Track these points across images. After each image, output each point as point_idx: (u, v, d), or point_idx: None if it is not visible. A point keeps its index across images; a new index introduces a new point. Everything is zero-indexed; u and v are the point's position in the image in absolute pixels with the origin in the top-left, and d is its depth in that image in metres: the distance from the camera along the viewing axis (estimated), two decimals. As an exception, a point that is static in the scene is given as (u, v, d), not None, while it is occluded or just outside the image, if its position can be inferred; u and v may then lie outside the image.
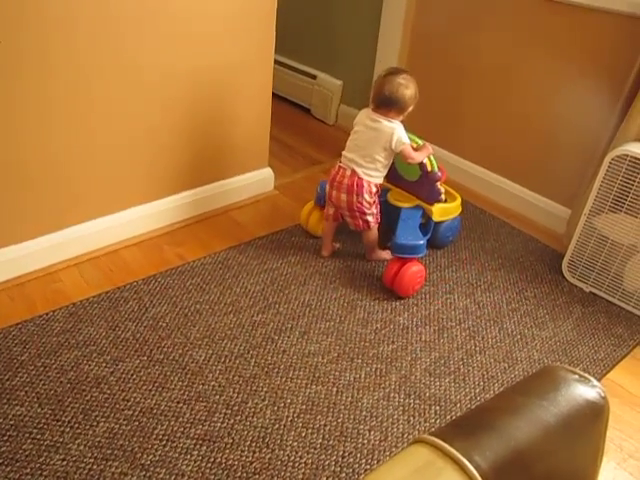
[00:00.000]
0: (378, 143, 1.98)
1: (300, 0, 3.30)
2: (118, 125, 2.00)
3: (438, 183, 2.11)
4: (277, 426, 1.54)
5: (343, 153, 2.07)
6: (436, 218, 2.17)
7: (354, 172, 2.01)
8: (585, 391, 0.75)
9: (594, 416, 0.74)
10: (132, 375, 1.64)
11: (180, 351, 1.74)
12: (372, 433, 1.55)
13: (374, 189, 2.04)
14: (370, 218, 2.08)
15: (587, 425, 0.73)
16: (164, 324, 1.83)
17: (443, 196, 2.15)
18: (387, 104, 1.98)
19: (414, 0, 2.72)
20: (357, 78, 3.14)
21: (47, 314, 1.81)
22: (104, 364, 1.67)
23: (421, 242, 2.02)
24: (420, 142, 2.08)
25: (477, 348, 1.87)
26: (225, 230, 2.32)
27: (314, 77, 3.36)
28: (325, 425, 1.56)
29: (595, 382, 0.77)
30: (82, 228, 2.06)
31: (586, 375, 0.77)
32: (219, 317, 1.88)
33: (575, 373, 0.77)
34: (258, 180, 2.54)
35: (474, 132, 2.69)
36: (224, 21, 2.10)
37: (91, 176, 2.01)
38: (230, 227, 2.34)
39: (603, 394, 0.76)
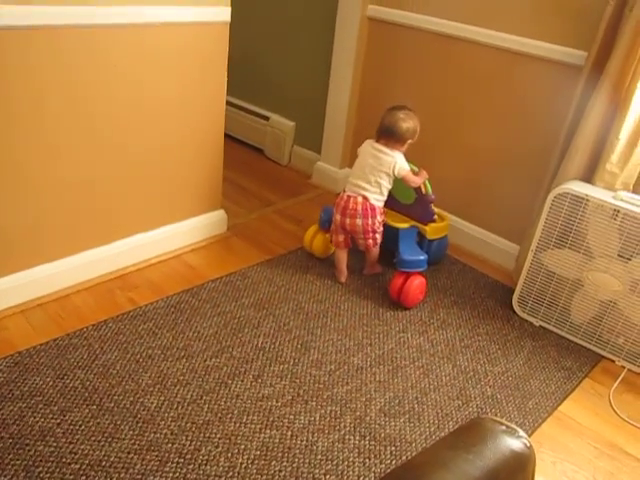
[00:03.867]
0: (381, 169, 2.18)
1: (252, 43, 3.36)
2: (66, 171, 1.97)
3: (432, 204, 2.30)
4: (231, 474, 1.51)
5: (349, 179, 2.26)
6: (430, 236, 2.37)
7: (365, 198, 2.19)
8: (511, 442, 0.78)
9: (520, 467, 0.77)
10: (80, 426, 1.59)
11: (131, 399, 1.70)
12: (328, 477, 1.54)
13: (381, 210, 2.25)
14: (379, 236, 2.28)
15: (513, 476, 0.75)
16: (114, 371, 1.78)
17: (436, 216, 2.35)
18: (387, 135, 2.19)
19: (364, 43, 2.80)
20: (309, 119, 3.19)
21: (-9, 365, 1.75)
22: (50, 415, 1.61)
23: (422, 257, 2.23)
24: (416, 168, 2.27)
25: (431, 386, 1.88)
26: (178, 273, 2.30)
27: (267, 118, 3.39)
28: (280, 471, 1.54)
29: (521, 432, 0.80)
30: (30, 273, 2.01)
31: (512, 426, 0.80)
32: (171, 362, 1.84)
33: (502, 424, 0.80)
34: (211, 222, 2.53)
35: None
36: (174, 65, 2.12)
37: (40, 221, 1.98)
38: (183, 270, 2.32)
39: (529, 444, 0.79)
